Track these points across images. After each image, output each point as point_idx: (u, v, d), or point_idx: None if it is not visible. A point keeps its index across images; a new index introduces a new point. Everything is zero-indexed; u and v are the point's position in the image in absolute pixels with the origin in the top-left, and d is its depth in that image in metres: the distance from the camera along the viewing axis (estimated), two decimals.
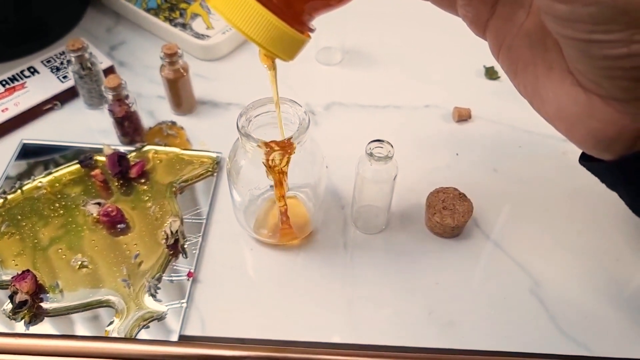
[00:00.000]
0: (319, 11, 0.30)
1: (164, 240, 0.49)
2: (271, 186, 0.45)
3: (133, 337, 0.44)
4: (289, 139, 0.41)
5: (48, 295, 0.46)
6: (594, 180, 0.35)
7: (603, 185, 0.35)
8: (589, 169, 0.34)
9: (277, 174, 0.43)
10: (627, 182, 0.33)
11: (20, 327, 0.45)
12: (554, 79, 0.31)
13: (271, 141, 0.41)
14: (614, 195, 0.36)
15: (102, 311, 0.46)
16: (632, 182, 0.33)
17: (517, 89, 0.34)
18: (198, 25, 0.69)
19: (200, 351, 0.43)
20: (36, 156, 0.57)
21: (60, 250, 0.49)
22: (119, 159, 0.53)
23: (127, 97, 0.55)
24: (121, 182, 0.54)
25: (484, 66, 0.67)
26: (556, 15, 0.26)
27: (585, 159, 0.34)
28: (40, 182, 0.54)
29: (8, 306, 0.45)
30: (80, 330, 0.45)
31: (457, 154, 0.58)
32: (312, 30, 0.31)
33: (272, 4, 0.28)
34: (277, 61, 0.35)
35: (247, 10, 0.28)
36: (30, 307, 0.45)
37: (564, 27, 0.27)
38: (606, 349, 0.44)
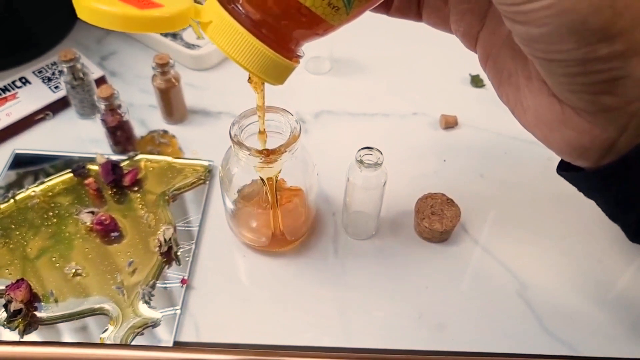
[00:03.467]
0: (306, 39, 0.32)
1: (158, 248, 0.50)
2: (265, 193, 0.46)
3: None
4: (281, 146, 0.42)
5: (42, 303, 0.47)
6: None
7: None
8: (566, 178, 0.36)
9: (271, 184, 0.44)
10: (603, 191, 0.34)
11: (14, 336, 0.45)
12: (533, 89, 0.32)
13: (264, 149, 0.42)
14: None
15: (96, 319, 0.46)
16: (607, 191, 0.34)
17: (500, 98, 0.36)
18: (188, 35, 0.69)
19: (194, 356, 0.43)
20: (27, 166, 0.57)
21: (53, 259, 0.49)
22: (113, 168, 0.54)
23: (119, 106, 0.56)
24: (114, 190, 0.55)
25: (470, 74, 0.68)
26: (518, 35, 0.28)
27: (562, 169, 0.35)
28: (33, 191, 0.54)
29: (2, 315, 0.46)
30: (75, 339, 0.45)
31: (444, 161, 0.59)
32: (300, 56, 0.33)
33: (261, 33, 0.30)
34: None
35: (238, 40, 0.30)
36: (24, 316, 0.45)
37: (526, 46, 0.28)
38: (591, 348, 0.46)
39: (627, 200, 0.34)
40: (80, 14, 0.29)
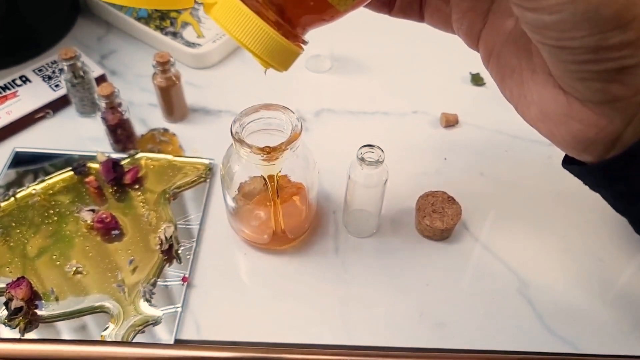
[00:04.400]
0: (312, 25, 0.32)
1: (159, 246, 0.50)
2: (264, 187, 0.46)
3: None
4: (282, 144, 0.42)
5: (43, 302, 0.47)
6: (578, 182, 0.36)
7: (587, 188, 0.36)
8: (571, 172, 0.35)
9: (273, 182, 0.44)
10: (609, 184, 0.34)
11: (15, 334, 0.45)
12: (538, 82, 0.32)
13: (265, 146, 0.42)
14: (597, 197, 0.37)
15: (97, 317, 0.46)
16: (613, 184, 0.34)
17: (503, 94, 0.36)
18: (189, 33, 0.69)
19: (195, 353, 0.43)
20: (28, 164, 0.57)
21: (54, 257, 0.49)
22: (114, 166, 0.54)
23: (120, 104, 0.55)
24: (115, 188, 0.55)
25: (470, 73, 0.68)
26: (528, 22, 0.28)
27: (567, 163, 0.35)
28: (33, 189, 0.54)
29: (3, 313, 0.46)
30: (76, 337, 0.45)
31: (445, 159, 0.59)
32: (305, 42, 0.32)
33: (269, 17, 0.30)
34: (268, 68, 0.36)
35: (246, 22, 0.30)
36: (25, 314, 0.45)
37: (535, 33, 0.28)
38: (592, 346, 0.46)
39: (634, 193, 0.33)
40: None
